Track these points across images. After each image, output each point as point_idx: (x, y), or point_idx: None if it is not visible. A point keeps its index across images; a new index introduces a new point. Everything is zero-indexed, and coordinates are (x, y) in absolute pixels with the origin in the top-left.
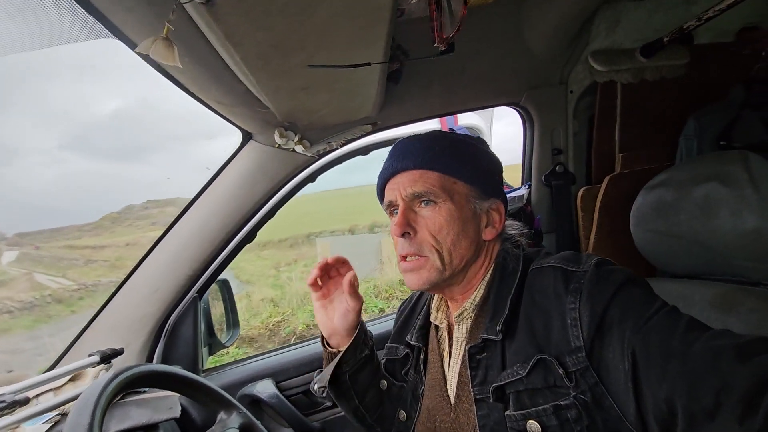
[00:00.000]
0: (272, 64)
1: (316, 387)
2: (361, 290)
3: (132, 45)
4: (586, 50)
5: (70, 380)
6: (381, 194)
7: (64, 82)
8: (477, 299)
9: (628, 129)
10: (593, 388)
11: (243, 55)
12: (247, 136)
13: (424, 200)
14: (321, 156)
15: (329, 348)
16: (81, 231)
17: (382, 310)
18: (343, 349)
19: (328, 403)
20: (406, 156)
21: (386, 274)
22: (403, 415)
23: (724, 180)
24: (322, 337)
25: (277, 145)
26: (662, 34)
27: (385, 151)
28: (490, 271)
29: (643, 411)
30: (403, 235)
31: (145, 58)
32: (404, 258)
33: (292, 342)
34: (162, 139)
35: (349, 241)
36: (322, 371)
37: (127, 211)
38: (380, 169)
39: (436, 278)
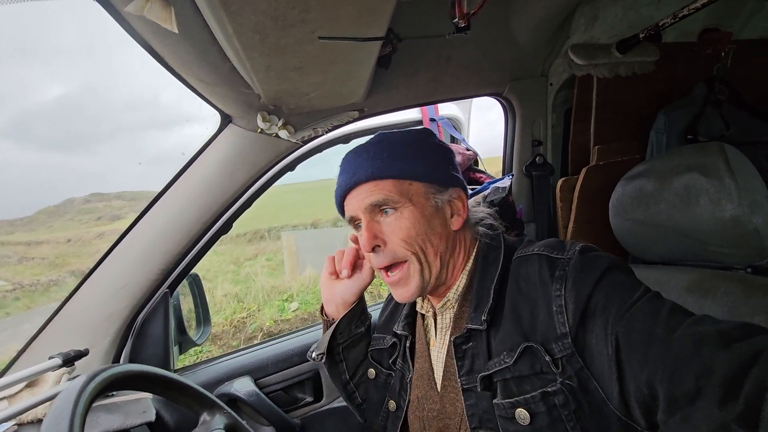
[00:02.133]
0: (268, 40)
1: (313, 355)
2: None
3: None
4: (566, 44)
5: (27, 386)
6: (341, 210)
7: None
8: (460, 289)
9: (603, 122)
10: (579, 373)
11: (237, 28)
12: (226, 120)
13: (384, 209)
14: (305, 142)
15: (325, 316)
16: (13, 226)
17: None
18: (338, 318)
19: (309, 399)
20: (357, 169)
21: None
22: (392, 404)
23: (704, 170)
24: (322, 307)
25: (259, 130)
26: (636, 30)
27: (365, 140)
28: (471, 261)
29: (625, 394)
30: (373, 249)
31: (125, 25)
32: (385, 271)
33: (259, 338)
34: (110, 129)
35: (314, 235)
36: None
37: (67, 205)
38: (335, 186)
39: (422, 283)
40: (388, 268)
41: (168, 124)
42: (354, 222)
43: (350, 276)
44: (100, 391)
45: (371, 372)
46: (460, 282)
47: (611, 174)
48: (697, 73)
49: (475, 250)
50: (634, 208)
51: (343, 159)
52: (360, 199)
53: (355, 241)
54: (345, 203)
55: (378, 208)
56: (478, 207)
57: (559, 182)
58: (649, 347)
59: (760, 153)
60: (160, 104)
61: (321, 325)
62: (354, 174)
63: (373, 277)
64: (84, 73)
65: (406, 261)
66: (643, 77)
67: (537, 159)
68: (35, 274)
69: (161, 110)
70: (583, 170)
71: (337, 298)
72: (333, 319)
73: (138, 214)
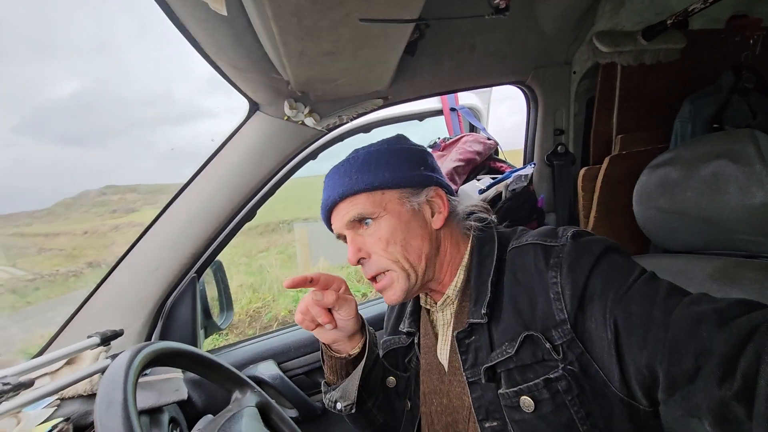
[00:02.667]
0: (304, 23)
1: (339, 406)
2: (342, 275)
3: None
4: (591, 31)
5: (67, 363)
6: (330, 229)
7: (17, 62)
8: (458, 284)
9: (626, 111)
10: (580, 357)
11: (276, 10)
12: (254, 107)
13: (363, 221)
14: (330, 130)
15: (335, 353)
16: (32, 218)
17: (365, 294)
18: (354, 353)
19: None
20: (332, 190)
21: None
22: (408, 404)
23: (734, 157)
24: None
25: (285, 117)
26: (662, 17)
27: (386, 129)
28: (466, 256)
29: (626, 376)
30: (359, 262)
31: (165, 9)
32: (372, 280)
33: (274, 327)
34: (124, 124)
35: (325, 228)
36: (331, 386)
37: (82, 197)
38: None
39: (406, 287)
40: (375, 278)
41: (181, 118)
42: (341, 238)
43: (335, 326)
44: (146, 363)
45: (390, 380)
46: (458, 278)
47: (634, 163)
48: (723, 61)
49: (469, 246)
50: (659, 196)
51: (324, 178)
52: (339, 217)
53: (302, 282)
54: (331, 223)
55: (358, 222)
56: (463, 202)
57: (581, 172)
58: (648, 329)
59: None
60: (173, 99)
61: None
62: (329, 196)
63: (353, 300)
64: (98, 68)
65: (390, 269)
66: (668, 65)
67: (559, 148)
68: (54, 264)
69: (174, 105)
70: (606, 159)
71: (339, 336)
72: (348, 355)
73: (153, 207)
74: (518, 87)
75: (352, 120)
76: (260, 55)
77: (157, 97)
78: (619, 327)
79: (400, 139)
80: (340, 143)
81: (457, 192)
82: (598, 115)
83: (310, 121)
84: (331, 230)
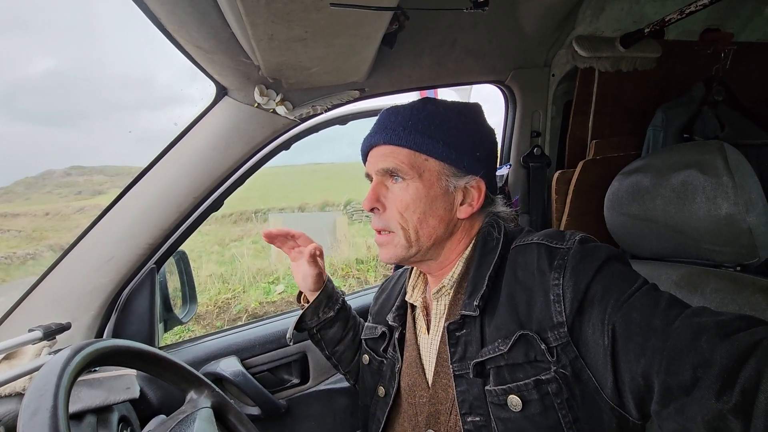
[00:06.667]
0: (274, 5)
1: (287, 335)
2: None
3: None
4: (571, 34)
5: (5, 359)
6: (365, 164)
7: None
8: (455, 275)
9: (602, 116)
10: (573, 362)
11: None
12: (222, 92)
13: (394, 176)
14: (302, 120)
15: (299, 301)
16: None
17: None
18: (304, 307)
19: (295, 381)
20: (381, 130)
21: (342, 253)
22: (382, 391)
23: (702, 168)
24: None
25: (255, 104)
26: (640, 26)
27: (363, 122)
28: (469, 248)
29: (619, 384)
30: (372, 210)
31: None
32: (378, 231)
33: (243, 320)
34: (104, 107)
35: (301, 219)
36: None
37: (46, 177)
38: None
39: (403, 254)
40: (380, 231)
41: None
42: (369, 178)
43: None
44: (85, 365)
45: (365, 358)
46: (456, 268)
47: (607, 168)
48: (696, 73)
49: (474, 239)
50: (630, 202)
51: (380, 113)
52: (375, 160)
53: (283, 235)
54: (367, 158)
55: (389, 175)
56: (501, 205)
57: (555, 175)
58: (647, 338)
59: (750, 155)
60: (154, 84)
61: None
62: (376, 133)
63: (316, 266)
64: (77, 48)
65: (394, 232)
66: (643, 73)
67: (535, 150)
68: (11, 246)
69: (155, 90)
70: (580, 164)
71: (302, 283)
72: (302, 306)
73: (122, 189)
74: (497, 86)
75: (326, 111)
76: (228, 36)
77: (137, 80)
78: (617, 334)
79: (476, 111)
80: (315, 134)
81: None
82: (574, 119)
83: (281, 110)
84: (365, 163)
